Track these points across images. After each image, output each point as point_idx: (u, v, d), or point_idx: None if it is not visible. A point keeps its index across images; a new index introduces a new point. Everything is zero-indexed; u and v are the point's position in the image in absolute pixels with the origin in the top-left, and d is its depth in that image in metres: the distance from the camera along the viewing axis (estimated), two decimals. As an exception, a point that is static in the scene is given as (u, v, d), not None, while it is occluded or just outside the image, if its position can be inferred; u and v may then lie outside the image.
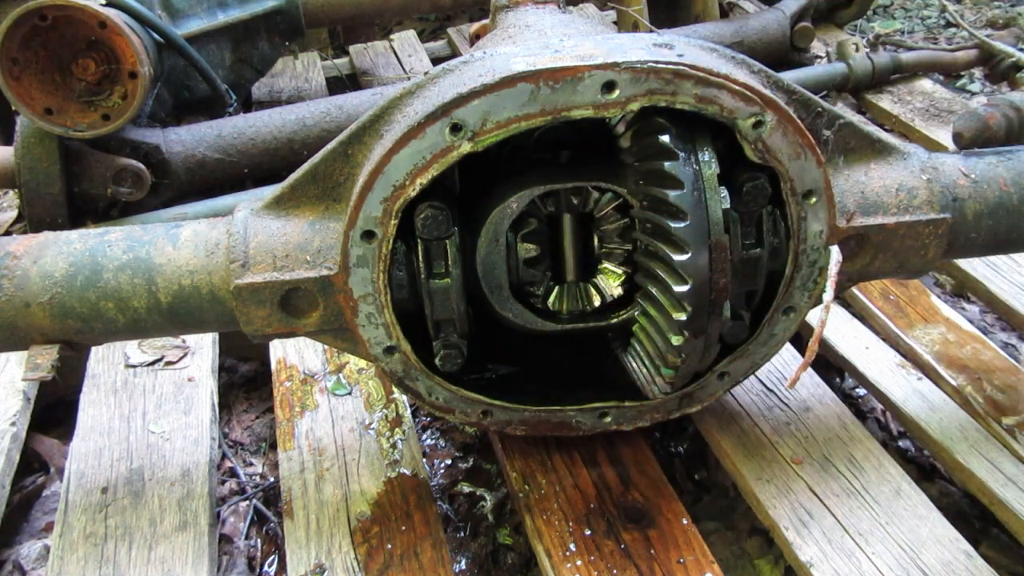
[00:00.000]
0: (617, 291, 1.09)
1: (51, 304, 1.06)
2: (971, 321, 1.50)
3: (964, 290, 1.70)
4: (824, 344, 1.44)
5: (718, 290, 0.93)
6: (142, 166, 1.77)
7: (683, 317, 0.94)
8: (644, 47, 0.93)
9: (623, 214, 1.05)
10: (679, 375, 1.00)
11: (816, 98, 1.05)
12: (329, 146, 1.03)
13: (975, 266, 1.59)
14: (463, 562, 1.26)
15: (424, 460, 1.31)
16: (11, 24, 1.56)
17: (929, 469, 1.35)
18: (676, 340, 0.95)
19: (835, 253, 1.03)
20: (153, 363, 1.46)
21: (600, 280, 1.10)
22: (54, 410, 1.50)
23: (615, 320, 1.10)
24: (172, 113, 2.12)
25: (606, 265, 1.08)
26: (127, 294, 1.06)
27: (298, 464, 1.27)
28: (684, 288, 0.92)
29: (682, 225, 0.91)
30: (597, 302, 1.10)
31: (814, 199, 1.00)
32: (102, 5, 1.63)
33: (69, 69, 1.67)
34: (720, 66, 0.94)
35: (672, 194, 0.91)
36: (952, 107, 2.19)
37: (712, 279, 0.92)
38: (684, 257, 0.92)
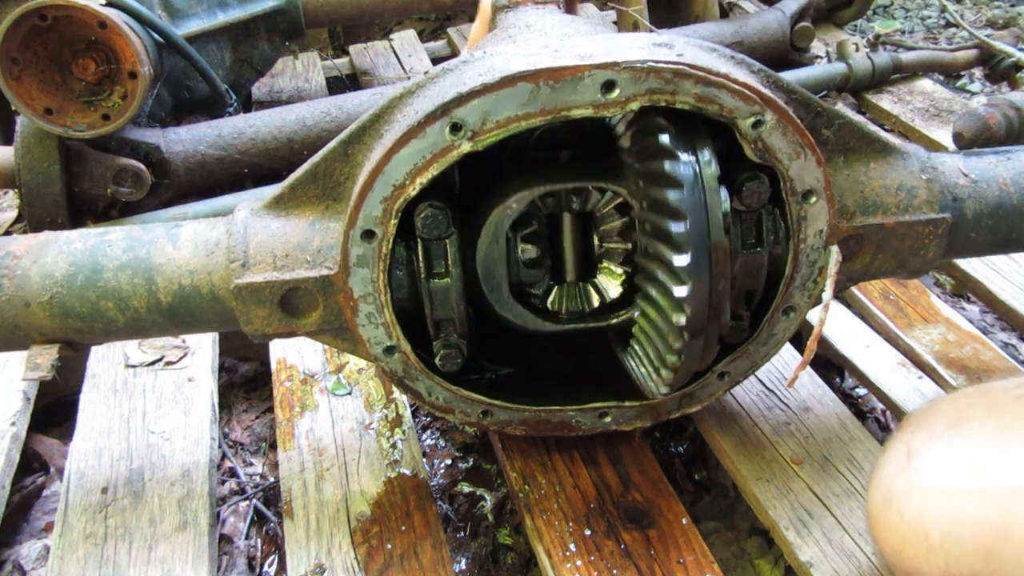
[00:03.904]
0: (617, 291, 1.09)
1: (51, 304, 1.06)
2: (971, 321, 1.50)
3: (964, 290, 1.70)
4: (824, 343, 1.44)
5: (718, 292, 0.93)
6: (142, 166, 1.77)
7: (682, 320, 0.93)
8: (644, 47, 0.93)
9: (623, 213, 1.05)
10: (679, 375, 1.00)
11: (816, 98, 1.05)
12: (329, 146, 1.03)
13: (975, 266, 1.59)
14: (463, 562, 1.26)
15: (424, 460, 1.31)
16: (11, 24, 1.56)
17: (929, 469, 1.35)
18: (675, 342, 0.95)
19: (835, 253, 1.03)
20: (153, 363, 1.46)
21: (600, 280, 1.10)
22: (54, 410, 1.50)
23: (615, 320, 1.10)
24: (172, 113, 2.11)
25: (606, 264, 1.08)
26: (127, 294, 1.06)
27: (298, 464, 1.27)
28: (683, 291, 0.92)
29: (681, 227, 0.91)
30: (597, 302, 1.10)
31: (814, 199, 1.00)
32: (102, 5, 1.62)
33: (69, 69, 1.66)
34: (720, 66, 0.93)
35: (672, 195, 0.91)
36: (952, 107, 2.19)
37: (712, 281, 0.92)
38: (683, 259, 0.91)
